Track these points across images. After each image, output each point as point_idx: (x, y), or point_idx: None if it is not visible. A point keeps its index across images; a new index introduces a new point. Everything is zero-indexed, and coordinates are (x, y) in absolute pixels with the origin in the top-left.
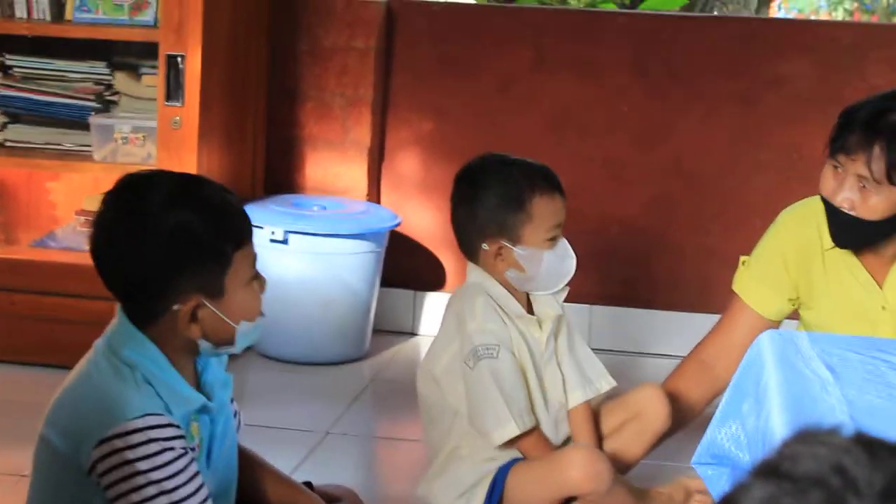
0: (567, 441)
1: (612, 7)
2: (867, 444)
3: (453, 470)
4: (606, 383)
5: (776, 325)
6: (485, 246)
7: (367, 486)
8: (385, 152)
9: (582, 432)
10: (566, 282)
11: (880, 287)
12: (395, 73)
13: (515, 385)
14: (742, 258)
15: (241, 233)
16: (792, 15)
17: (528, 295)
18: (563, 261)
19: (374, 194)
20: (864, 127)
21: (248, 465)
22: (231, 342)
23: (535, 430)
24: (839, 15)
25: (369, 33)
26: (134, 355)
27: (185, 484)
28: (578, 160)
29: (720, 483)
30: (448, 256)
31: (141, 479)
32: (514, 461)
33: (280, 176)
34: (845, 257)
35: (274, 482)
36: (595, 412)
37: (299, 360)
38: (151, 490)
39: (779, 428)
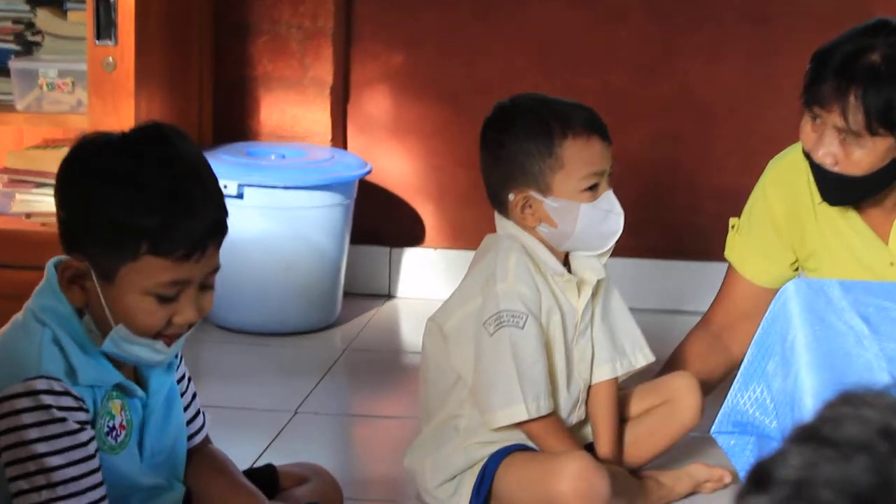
0: (582, 425)
1: None
2: None
3: (443, 449)
4: (643, 357)
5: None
6: (511, 196)
7: (342, 469)
8: (350, 91)
9: (600, 415)
10: (612, 242)
11: (885, 242)
12: (359, 1)
13: (537, 363)
14: (732, 221)
15: (172, 242)
16: None
17: (566, 255)
18: (606, 216)
19: (340, 139)
20: (837, 73)
21: (208, 471)
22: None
23: (550, 416)
24: None
25: None
26: (46, 313)
27: (71, 464)
28: (572, 94)
29: (744, 454)
30: (426, 207)
31: (24, 450)
32: (508, 451)
33: (231, 122)
34: (841, 211)
35: (223, 489)
36: (625, 394)
37: (261, 331)
38: (31, 466)
39: (809, 389)
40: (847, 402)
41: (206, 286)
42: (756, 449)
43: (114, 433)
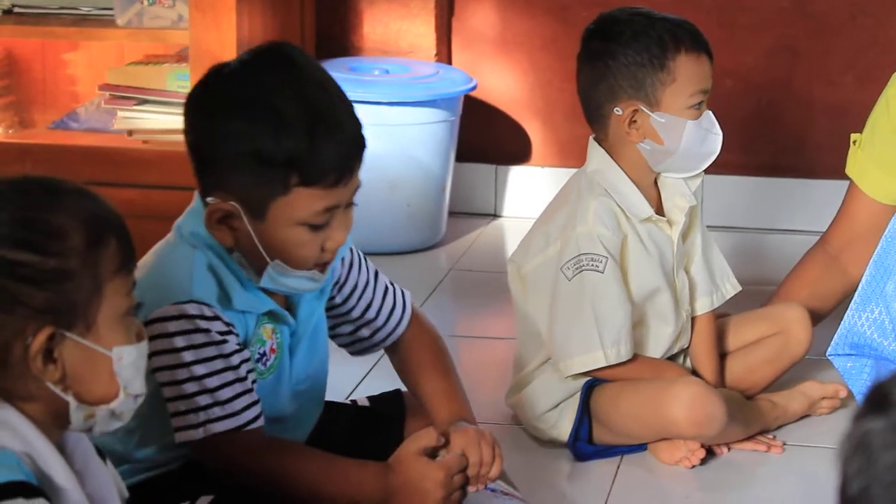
0: (682, 355)
1: None
2: None
3: (542, 379)
4: (732, 287)
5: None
6: (617, 110)
7: None
8: (455, 4)
9: (703, 347)
10: (708, 163)
11: None
12: None
13: (617, 308)
14: (853, 136)
15: (322, 170)
16: None
17: (656, 186)
18: (706, 136)
19: (445, 54)
20: None
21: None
22: None
23: (631, 361)
24: None
25: None
26: (198, 238)
27: (226, 385)
28: (682, 6)
29: (862, 376)
30: (533, 124)
31: (181, 371)
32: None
33: (334, 36)
34: None
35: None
36: (727, 321)
37: (366, 250)
38: (188, 387)
39: None
40: None
41: (349, 204)
42: (874, 371)
43: (264, 358)
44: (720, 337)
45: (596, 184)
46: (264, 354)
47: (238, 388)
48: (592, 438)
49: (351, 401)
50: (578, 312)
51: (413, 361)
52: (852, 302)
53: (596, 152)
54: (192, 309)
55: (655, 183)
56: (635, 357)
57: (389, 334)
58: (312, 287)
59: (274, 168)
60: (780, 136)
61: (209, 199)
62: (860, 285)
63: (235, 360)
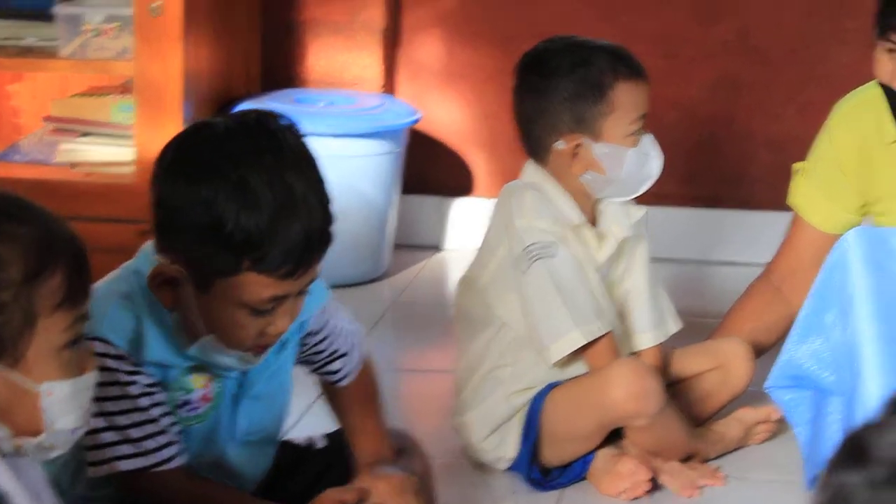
0: None
1: None
2: None
3: (486, 402)
4: (674, 324)
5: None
6: (559, 144)
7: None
8: (401, 36)
9: None
10: (649, 185)
11: None
12: None
13: (579, 287)
14: (796, 166)
15: (276, 260)
16: None
17: (593, 208)
18: (646, 160)
19: (390, 86)
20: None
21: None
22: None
23: (605, 337)
24: None
25: None
26: (137, 277)
27: (135, 426)
28: (627, 37)
29: (801, 409)
30: (478, 156)
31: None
32: (551, 387)
33: (279, 68)
34: None
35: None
36: (672, 353)
37: None
38: (99, 422)
39: (869, 341)
40: None
41: (301, 293)
42: (813, 404)
43: (189, 406)
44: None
45: (530, 183)
46: (189, 402)
47: (149, 428)
48: (539, 459)
49: (307, 439)
50: (544, 301)
51: (345, 396)
52: (791, 334)
53: (532, 168)
54: (98, 346)
55: (593, 210)
56: (610, 332)
57: (345, 377)
58: (242, 368)
59: (229, 246)
60: (722, 168)
61: (157, 258)
62: (799, 317)
63: (144, 401)
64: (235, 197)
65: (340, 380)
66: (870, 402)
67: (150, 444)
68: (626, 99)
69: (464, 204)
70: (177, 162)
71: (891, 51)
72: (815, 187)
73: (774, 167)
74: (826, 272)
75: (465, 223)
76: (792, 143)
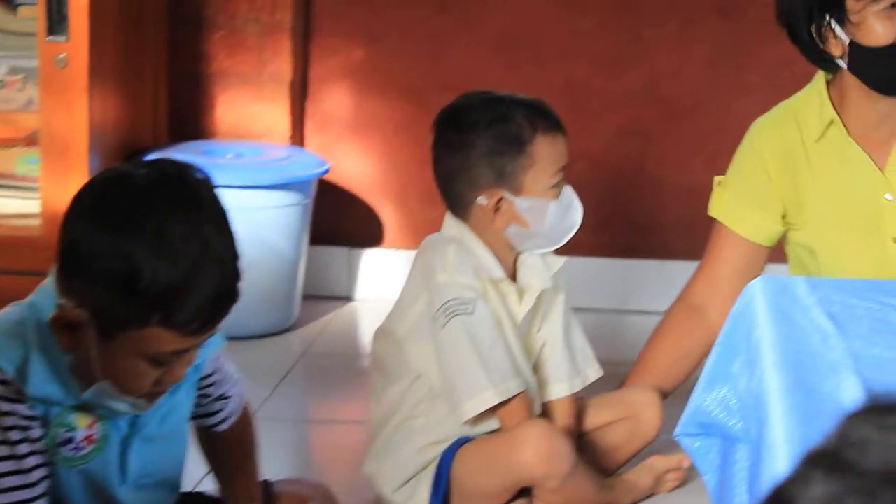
0: None
1: None
2: None
3: (399, 453)
4: (594, 372)
5: (767, 252)
6: (481, 200)
7: (300, 476)
8: (309, 87)
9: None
10: (571, 236)
11: (881, 170)
12: None
13: (495, 345)
14: (717, 178)
15: (185, 318)
16: None
17: (514, 260)
18: (567, 212)
19: (298, 137)
20: None
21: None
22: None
23: (519, 396)
24: None
25: None
26: (34, 312)
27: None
28: (535, 87)
29: (710, 456)
30: (387, 207)
31: None
32: (459, 444)
33: (187, 119)
34: (837, 142)
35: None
36: (583, 404)
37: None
38: None
39: (775, 389)
40: (873, 422)
41: (200, 344)
42: (721, 451)
43: (71, 445)
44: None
45: (451, 238)
46: (72, 441)
47: (15, 480)
48: None
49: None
50: (460, 358)
51: (224, 440)
52: (699, 382)
53: (453, 221)
54: None
55: (514, 262)
56: (524, 392)
57: (225, 419)
58: (131, 412)
59: (141, 300)
60: (633, 218)
61: (62, 301)
62: (707, 365)
63: (23, 448)
64: (153, 251)
65: (220, 423)
66: (775, 450)
67: (15, 496)
68: (546, 152)
69: (373, 255)
70: (96, 208)
71: (889, 7)
72: (738, 197)
73: (684, 217)
74: (732, 321)
75: (375, 274)
76: (700, 193)
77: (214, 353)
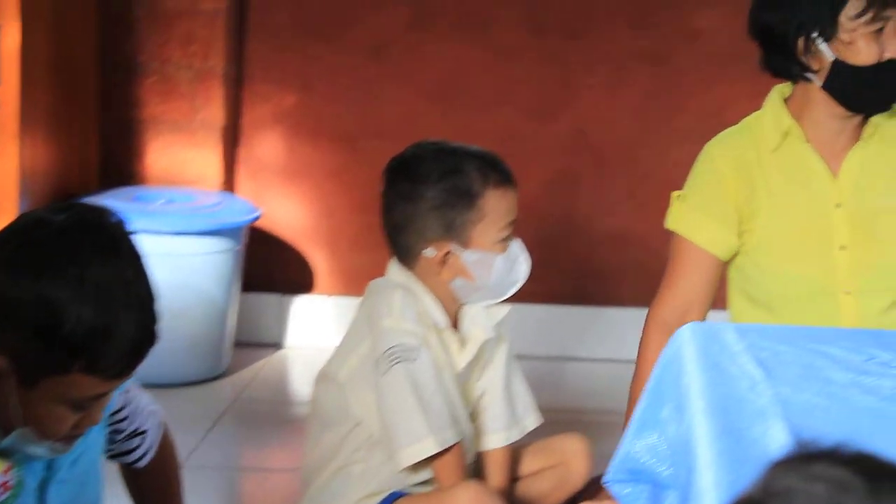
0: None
1: None
2: (870, 476)
3: (333, 502)
4: (533, 421)
5: (723, 266)
6: (428, 252)
7: None
8: (241, 134)
9: (494, 480)
10: (516, 289)
11: (835, 176)
12: (251, 40)
13: (436, 395)
14: (675, 193)
15: (108, 363)
16: None
17: (458, 310)
18: (514, 265)
19: (230, 183)
20: None
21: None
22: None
23: (455, 447)
24: None
25: None
26: None
27: None
28: (467, 134)
29: (639, 503)
30: (319, 253)
31: None
32: (396, 496)
33: (118, 165)
34: (794, 150)
35: None
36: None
37: (147, 382)
38: None
39: (703, 436)
40: (795, 471)
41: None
42: (651, 497)
43: None
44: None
45: (397, 284)
46: None
47: None
48: None
49: None
50: (401, 405)
51: (145, 476)
52: (628, 428)
53: (397, 269)
54: None
55: (457, 311)
56: (459, 444)
57: (143, 455)
58: (48, 456)
59: (63, 347)
60: (565, 265)
61: None
62: (636, 411)
63: None
64: (76, 297)
65: (139, 459)
66: (703, 497)
67: None
68: (496, 206)
69: (304, 301)
70: (15, 255)
71: (878, 30)
72: (696, 209)
73: (616, 263)
74: (661, 367)
75: (306, 320)
76: (631, 240)
77: (122, 387)
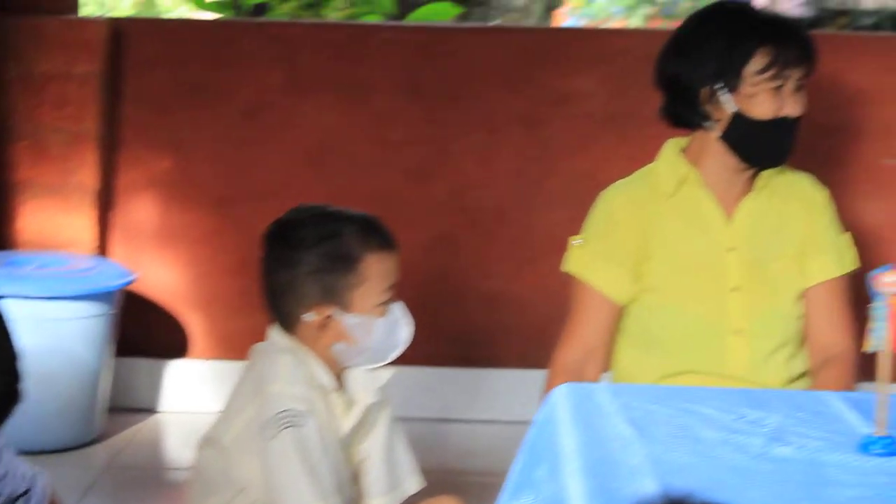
0: None
1: (376, 19)
2: None
3: None
4: (415, 484)
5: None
6: (307, 316)
7: None
8: (115, 197)
9: None
10: (397, 353)
11: (729, 221)
12: (125, 103)
13: (324, 459)
14: (572, 238)
15: None
16: (582, 23)
17: (341, 374)
18: (395, 328)
19: (104, 247)
20: (789, 35)
21: None
22: None
23: None
24: (636, 22)
25: (92, 57)
26: None
27: None
28: (343, 196)
29: None
30: (194, 317)
31: None
32: None
33: None
34: (690, 194)
35: None
36: None
37: (17, 448)
38: None
39: (577, 497)
40: None
41: None
42: None
43: None
44: None
45: (286, 347)
46: None
47: None
48: None
49: None
50: (289, 471)
51: None
52: (503, 489)
53: (279, 334)
54: None
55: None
56: None
57: None
58: None
59: None
60: (444, 328)
61: None
62: (511, 473)
63: None
64: None
65: None
66: None
67: None
68: (376, 270)
69: (179, 366)
70: None
71: (778, 87)
72: (594, 254)
73: (492, 325)
74: (536, 428)
75: (181, 385)
76: (508, 302)
77: None
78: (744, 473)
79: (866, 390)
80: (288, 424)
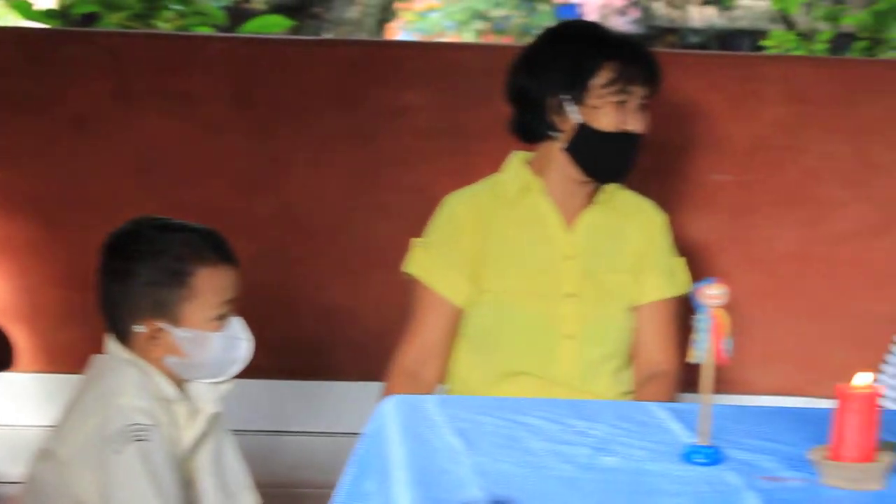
0: None
1: (206, 31)
2: None
3: None
4: (249, 500)
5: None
6: (138, 328)
7: None
8: None
9: None
10: (237, 369)
11: (569, 228)
12: None
13: (168, 473)
14: (415, 241)
15: None
16: (415, 37)
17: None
18: (232, 344)
19: None
20: (635, 55)
21: None
22: None
23: None
24: (468, 37)
25: None
26: None
27: None
28: (170, 209)
29: None
30: (18, 330)
31: None
32: None
33: None
34: (532, 202)
35: None
36: None
37: None
38: None
39: None
40: None
41: None
42: None
43: None
44: None
45: (129, 359)
46: None
47: None
48: None
49: None
50: (135, 486)
51: None
52: (332, 501)
53: (116, 346)
54: None
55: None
56: None
57: None
58: None
59: None
60: (276, 340)
61: None
62: (341, 485)
63: None
64: None
65: None
66: None
67: None
68: (209, 285)
69: (3, 378)
70: None
71: (621, 102)
72: (436, 257)
73: (326, 337)
74: (365, 441)
75: (6, 398)
76: (341, 314)
77: None
78: (570, 483)
79: (689, 401)
80: (135, 438)
